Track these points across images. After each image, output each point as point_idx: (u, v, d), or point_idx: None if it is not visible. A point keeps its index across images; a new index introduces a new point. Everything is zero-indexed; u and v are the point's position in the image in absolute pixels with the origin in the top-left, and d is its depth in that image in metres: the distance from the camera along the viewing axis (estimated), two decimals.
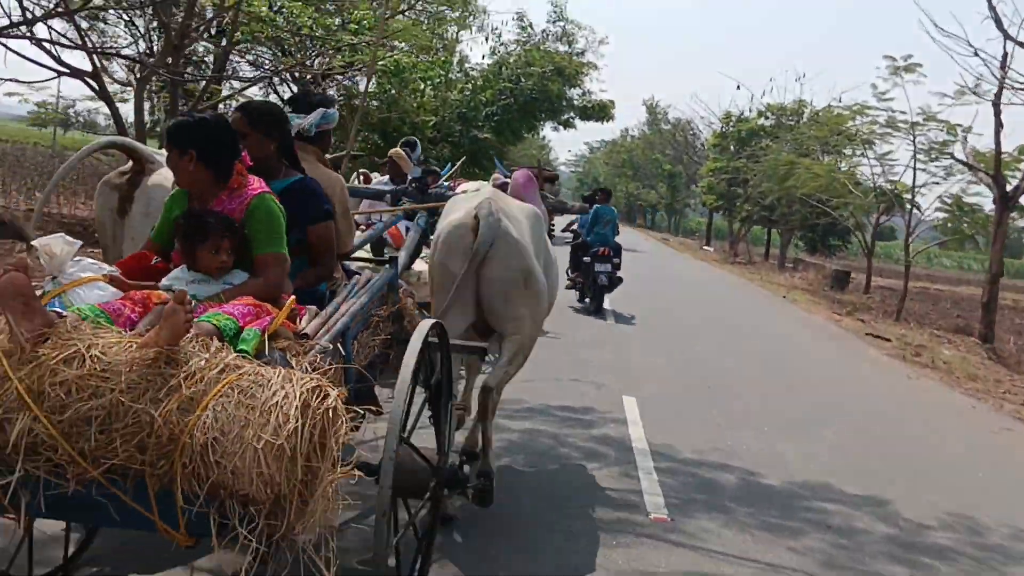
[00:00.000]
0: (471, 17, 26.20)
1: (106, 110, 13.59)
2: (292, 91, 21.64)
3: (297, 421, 2.22)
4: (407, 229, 5.41)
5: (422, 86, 22.80)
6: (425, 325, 2.99)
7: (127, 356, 2.28)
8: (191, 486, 2.20)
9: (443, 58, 23.74)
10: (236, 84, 18.19)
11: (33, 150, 25.52)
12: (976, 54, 15.20)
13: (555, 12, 28.36)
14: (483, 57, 28.05)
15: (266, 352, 2.50)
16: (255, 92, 21.68)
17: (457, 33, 26.48)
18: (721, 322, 14.13)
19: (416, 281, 5.38)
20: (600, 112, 27.72)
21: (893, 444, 7.05)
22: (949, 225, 20.65)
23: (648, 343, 10.70)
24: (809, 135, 24.78)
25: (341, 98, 21.78)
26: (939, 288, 31.42)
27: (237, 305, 2.62)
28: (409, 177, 6.37)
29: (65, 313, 2.43)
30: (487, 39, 27.56)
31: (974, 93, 15.87)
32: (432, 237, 4.70)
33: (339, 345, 2.92)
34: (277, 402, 2.24)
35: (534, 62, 25.59)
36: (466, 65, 26.93)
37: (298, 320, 2.84)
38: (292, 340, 2.66)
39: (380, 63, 16.18)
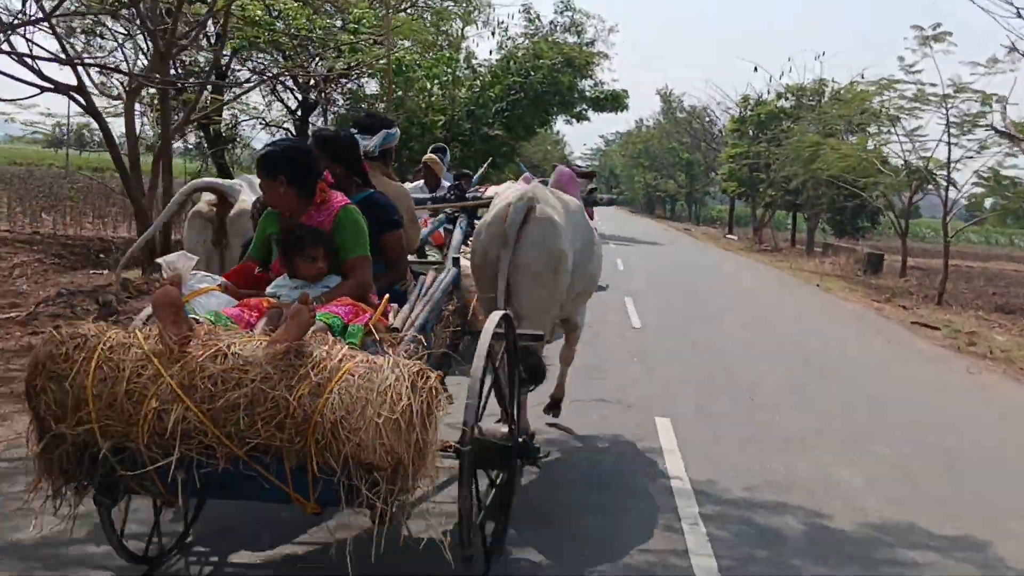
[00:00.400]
0: (476, 12, 26.85)
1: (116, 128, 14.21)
2: (296, 97, 22.34)
3: (408, 399, 2.79)
4: (447, 232, 6.06)
5: (429, 85, 23.39)
6: (496, 315, 3.56)
7: (261, 351, 2.84)
8: (324, 459, 2.77)
9: (449, 55, 24.34)
10: (236, 90, 18.75)
11: (44, 172, 26.18)
12: (1019, 14, 15.22)
13: (562, 2, 28.94)
14: (490, 52, 28.71)
15: (370, 343, 3.07)
16: (256, 98, 22.37)
17: (462, 29, 27.13)
18: (754, 319, 13.80)
19: None
20: (613, 102, 28.22)
21: (970, 462, 6.48)
22: (990, 201, 20.72)
23: (677, 348, 10.31)
24: (833, 114, 25.02)
25: (347, 102, 22.44)
26: (969, 265, 31.59)
27: (340, 306, 3.20)
28: (444, 184, 7.06)
29: (201, 319, 3.01)
30: (493, 34, 28.20)
31: (1016, 50, 15.75)
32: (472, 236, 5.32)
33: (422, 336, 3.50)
34: (391, 384, 2.81)
35: (543, 54, 26.13)
36: (473, 61, 27.55)
37: (388, 316, 3.41)
38: (386, 333, 3.23)
39: (382, 61, 16.69)
